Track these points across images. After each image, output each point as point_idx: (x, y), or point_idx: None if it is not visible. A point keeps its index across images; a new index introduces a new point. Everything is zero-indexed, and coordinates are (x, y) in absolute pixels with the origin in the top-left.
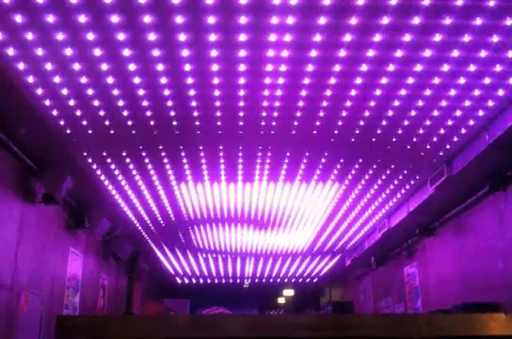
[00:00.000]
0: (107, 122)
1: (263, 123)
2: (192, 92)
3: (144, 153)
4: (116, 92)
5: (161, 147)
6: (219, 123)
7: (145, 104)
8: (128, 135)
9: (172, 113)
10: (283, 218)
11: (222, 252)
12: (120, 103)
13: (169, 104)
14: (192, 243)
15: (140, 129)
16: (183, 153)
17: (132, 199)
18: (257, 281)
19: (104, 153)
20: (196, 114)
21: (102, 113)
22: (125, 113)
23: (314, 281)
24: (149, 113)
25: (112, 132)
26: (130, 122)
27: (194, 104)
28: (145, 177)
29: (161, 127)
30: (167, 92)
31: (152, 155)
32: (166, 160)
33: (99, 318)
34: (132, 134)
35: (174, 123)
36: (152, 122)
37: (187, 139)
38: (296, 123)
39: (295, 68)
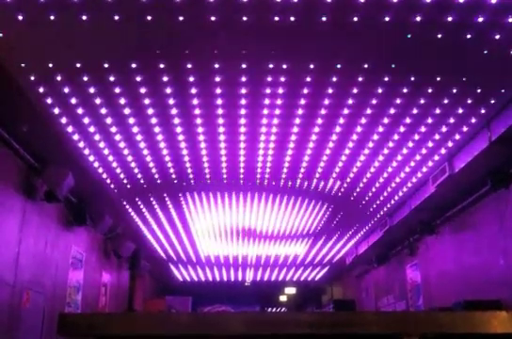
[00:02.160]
0: (109, 120)
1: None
2: None
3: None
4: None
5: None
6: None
7: None
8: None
9: None
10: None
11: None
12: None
13: None
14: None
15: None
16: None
17: (134, 196)
18: (259, 279)
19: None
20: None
21: (103, 111)
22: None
23: (316, 279)
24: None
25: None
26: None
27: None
28: (146, 174)
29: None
30: None
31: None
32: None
33: (101, 316)
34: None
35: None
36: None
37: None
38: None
39: None
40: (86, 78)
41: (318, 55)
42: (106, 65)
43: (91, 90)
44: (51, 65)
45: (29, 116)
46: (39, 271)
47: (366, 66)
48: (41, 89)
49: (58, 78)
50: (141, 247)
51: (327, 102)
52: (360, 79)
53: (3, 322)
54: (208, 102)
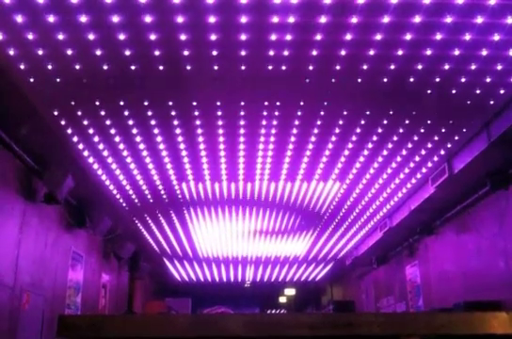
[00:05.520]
0: (108, 121)
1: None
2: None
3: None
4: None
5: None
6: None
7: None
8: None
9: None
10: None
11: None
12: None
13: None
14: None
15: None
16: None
17: (133, 198)
18: (258, 280)
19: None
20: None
21: (103, 112)
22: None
23: (316, 280)
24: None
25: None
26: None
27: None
28: (146, 176)
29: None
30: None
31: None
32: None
33: (100, 317)
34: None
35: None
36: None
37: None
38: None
39: None
40: (85, 80)
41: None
42: (105, 67)
43: (91, 92)
44: (50, 67)
45: (29, 118)
46: (38, 273)
47: (365, 68)
48: (42, 91)
49: (58, 80)
50: (141, 248)
51: (325, 103)
52: (359, 81)
53: (3, 324)
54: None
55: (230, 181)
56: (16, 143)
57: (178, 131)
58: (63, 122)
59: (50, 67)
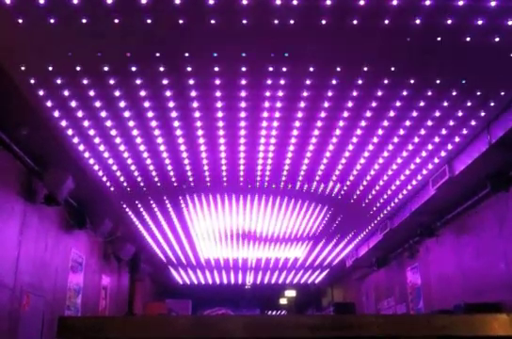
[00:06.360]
0: (109, 123)
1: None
2: None
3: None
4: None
5: None
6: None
7: None
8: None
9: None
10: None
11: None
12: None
13: None
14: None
15: None
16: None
17: (134, 200)
18: (259, 282)
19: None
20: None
21: (103, 114)
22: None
23: (316, 282)
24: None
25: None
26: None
27: None
28: (146, 177)
29: None
30: None
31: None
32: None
33: (100, 319)
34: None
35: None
36: None
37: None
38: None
39: None
40: (85, 81)
41: (318, 56)
42: (106, 68)
43: (91, 93)
44: (51, 68)
45: (29, 119)
46: (38, 274)
47: (365, 69)
48: (41, 92)
49: (58, 81)
50: (141, 250)
51: (326, 104)
52: (360, 82)
53: (3, 325)
54: (208, 104)
55: (230, 182)
56: (16, 144)
57: (179, 133)
58: (64, 123)
59: (50, 68)
